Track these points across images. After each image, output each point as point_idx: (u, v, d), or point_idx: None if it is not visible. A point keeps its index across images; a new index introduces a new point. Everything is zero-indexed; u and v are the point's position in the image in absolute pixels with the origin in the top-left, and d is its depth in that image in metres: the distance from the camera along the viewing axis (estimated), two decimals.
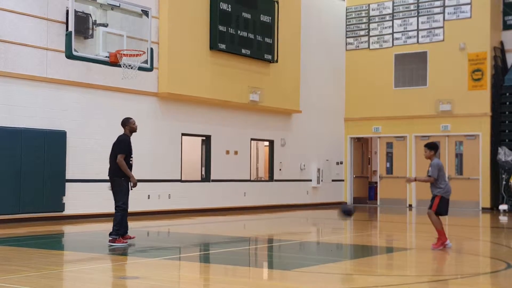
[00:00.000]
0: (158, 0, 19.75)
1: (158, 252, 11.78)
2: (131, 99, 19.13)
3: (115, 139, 12.44)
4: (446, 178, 12.34)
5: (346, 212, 12.48)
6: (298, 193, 25.47)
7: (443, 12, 25.77)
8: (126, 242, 11.99)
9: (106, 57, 15.68)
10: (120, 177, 12.10)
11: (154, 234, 15.48)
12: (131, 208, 18.79)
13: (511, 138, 24.51)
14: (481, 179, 24.86)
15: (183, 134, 20.83)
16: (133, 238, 12.46)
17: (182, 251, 12.19)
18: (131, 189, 12.27)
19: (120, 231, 11.99)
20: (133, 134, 18.96)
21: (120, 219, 12.00)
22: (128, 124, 12.47)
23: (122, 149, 12.12)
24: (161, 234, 15.64)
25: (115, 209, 12.14)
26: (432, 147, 12.42)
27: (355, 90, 27.68)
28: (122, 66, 15.82)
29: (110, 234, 12.01)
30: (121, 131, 12.61)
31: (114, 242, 11.87)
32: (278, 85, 23.73)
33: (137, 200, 19.16)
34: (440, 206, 12.09)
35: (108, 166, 12.41)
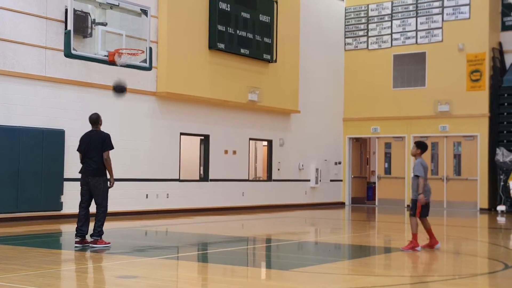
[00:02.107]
0: None
1: (156, 252, 11.77)
2: (130, 98, 19.09)
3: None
4: (426, 180, 12.17)
5: (119, 89, 12.46)
6: (297, 193, 25.47)
7: (442, 13, 25.79)
8: (108, 243, 11.67)
9: (105, 56, 15.66)
10: (101, 176, 11.76)
11: (152, 234, 15.47)
12: (129, 207, 18.93)
13: (509, 139, 24.52)
14: (479, 179, 24.88)
15: (181, 134, 20.83)
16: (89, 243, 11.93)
17: (180, 250, 12.18)
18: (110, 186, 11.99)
19: (102, 232, 11.75)
20: (131, 133, 19.13)
21: (103, 220, 11.77)
22: (101, 120, 12.11)
23: (110, 145, 11.82)
24: (159, 234, 15.63)
25: (98, 209, 11.79)
26: (421, 146, 12.44)
27: (354, 90, 27.68)
28: (118, 65, 15.79)
29: (92, 236, 11.69)
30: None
31: (96, 244, 11.60)
32: (277, 85, 23.73)
33: (135, 200, 19.21)
34: (422, 211, 12.04)
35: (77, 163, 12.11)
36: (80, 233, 11.72)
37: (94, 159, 11.75)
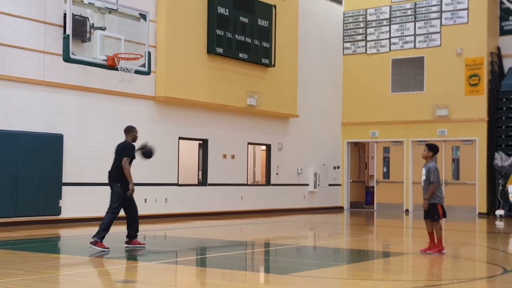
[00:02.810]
0: (156, 4, 19.76)
1: (154, 256, 11.76)
2: (128, 102, 19.12)
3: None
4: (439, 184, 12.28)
5: (147, 153, 12.63)
6: (295, 197, 25.46)
7: (440, 17, 25.82)
8: (107, 248, 11.71)
9: (103, 60, 15.68)
10: (116, 183, 12.15)
11: (151, 238, 15.45)
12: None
13: (508, 143, 24.53)
14: (478, 184, 24.88)
15: (180, 138, 20.82)
16: (143, 244, 12.59)
17: (178, 255, 12.17)
18: (127, 196, 12.20)
19: (103, 233, 11.85)
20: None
21: (108, 222, 11.92)
22: (132, 132, 12.55)
23: (129, 153, 12.21)
24: (157, 238, 15.62)
25: (108, 210, 12.10)
26: (432, 149, 12.34)
27: (352, 94, 27.70)
28: (119, 69, 15.83)
29: (94, 236, 11.85)
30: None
31: (95, 245, 11.71)
32: (276, 89, 23.74)
33: None
34: (443, 212, 12.07)
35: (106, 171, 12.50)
36: (127, 234, 12.42)
37: (114, 166, 12.27)
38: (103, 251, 11.62)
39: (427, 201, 11.97)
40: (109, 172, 12.38)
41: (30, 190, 16.45)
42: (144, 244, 12.68)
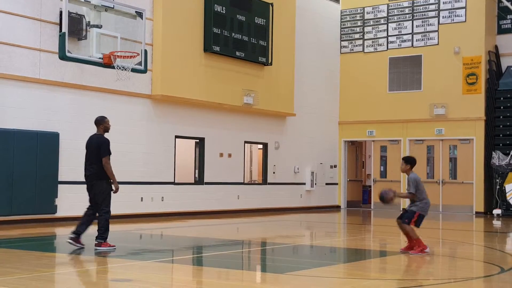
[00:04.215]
0: (153, 1, 19.71)
1: (151, 255, 11.72)
2: (125, 101, 19.07)
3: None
4: (425, 194, 12.06)
5: (384, 199, 12.17)
6: (292, 196, 25.43)
7: (438, 16, 25.80)
8: (113, 246, 11.74)
9: (99, 58, 15.63)
10: (102, 180, 11.80)
11: (147, 237, 15.41)
12: (124, 210, 18.85)
13: (505, 143, 24.52)
14: (475, 183, 24.87)
15: (176, 137, 20.78)
16: (83, 246, 11.86)
17: (175, 254, 12.13)
18: (114, 193, 12.01)
19: (105, 234, 11.75)
20: (126, 136, 19.06)
21: (105, 223, 11.75)
22: (104, 123, 12.08)
23: (107, 150, 11.81)
24: (154, 237, 15.58)
25: (99, 213, 11.82)
26: (409, 161, 12.31)
27: (350, 93, 27.67)
28: (115, 67, 15.78)
29: (96, 238, 11.78)
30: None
31: (100, 246, 11.65)
32: (272, 88, 23.70)
33: (130, 203, 19.13)
34: (416, 222, 12.00)
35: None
36: (76, 231, 11.77)
37: (93, 164, 11.83)
38: (109, 249, 11.60)
39: (393, 193, 11.94)
40: (86, 169, 11.90)
41: (26, 189, 16.41)
42: (84, 245, 11.90)
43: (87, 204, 12.04)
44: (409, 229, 11.98)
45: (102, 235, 11.75)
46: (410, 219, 11.95)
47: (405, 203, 26.05)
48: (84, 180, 12.07)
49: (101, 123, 12.09)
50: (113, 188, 11.93)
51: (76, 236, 11.78)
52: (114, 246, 11.83)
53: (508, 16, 25.67)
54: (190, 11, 20.68)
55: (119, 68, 15.87)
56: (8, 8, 16.45)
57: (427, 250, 11.92)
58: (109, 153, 11.86)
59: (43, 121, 17.09)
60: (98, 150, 11.82)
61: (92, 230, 12.01)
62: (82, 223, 11.85)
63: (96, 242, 11.74)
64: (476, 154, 24.92)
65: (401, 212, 12.37)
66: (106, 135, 12.14)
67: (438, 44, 25.75)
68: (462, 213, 24.75)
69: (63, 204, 17.23)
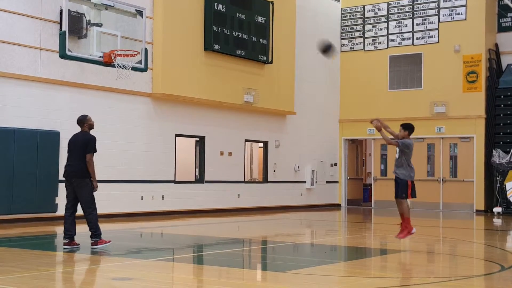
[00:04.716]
0: (153, 0, 19.70)
1: (151, 253, 11.73)
2: (125, 99, 19.07)
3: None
4: (411, 162, 12.15)
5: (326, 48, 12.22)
6: (292, 194, 25.43)
7: (438, 14, 25.78)
8: (108, 241, 11.67)
9: (100, 57, 15.62)
10: (85, 178, 11.64)
11: (148, 235, 15.41)
12: (125, 209, 18.87)
13: (506, 141, 24.50)
14: (475, 181, 24.86)
15: (177, 135, 20.78)
16: (78, 245, 11.76)
17: (175, 252, 12.13)
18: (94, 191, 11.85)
19: (98, 231, 11.66)
20: (126, 134, 19.06)
21: (95, 221, 11.66)
22: (87, 121, 11.93)
23: (93, 148, 11.69)
24: (154, 235, 15.58)
25: (86, 211, 11.69)
26: (407, 127, 12.44)
27: (350, 91, 27.66)
28: (116, 66, 15.78)
29: (91, 237, 11.69)
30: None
31: (97, 244, 11.58)
32: (273, 86, 23.70)
33: (130, 201, 19.15)
34: (412, 192, 12.01)
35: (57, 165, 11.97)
36: (68, 234, 11.66)
37: (78, 161, 11.65)
38: (106, 245, 11.59)
39: (379, 125, 12.20)
40: (70, 166, 11.72)
41: (26, 187, 16.41)
42: (79, 244, 11.82)
43: None
44: (405, 209, 11.98)
45: (96, 234, 11.66)
46: (405, 192, 11.94)
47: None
48: None
49: (84, 121, 11.94)
50: (94, 185, 11.76)
51: (70, 240, 11.70)
52: (110, 240, 11.80)
53: (508, 14, 25.65)
54: (190, 9, 20.67)
55: (120, 66, 15.87)
56: (8, 6, 16.45)
57: (413, 231, 11.95)
58: (95, 151, 11.76)
59: (43, 120, 17.08)
60: (84, 147, 11.65)
61: (82, 228, 12.00)
62: (70, 226, 11.69)
63: (92, 242, 11.65)
64: (476, 152, 24.92)
65: (395, 190, 12.27)
66: (91, 132, 12.05)
67: (438, 42, 25.73)
68: (463, 211, 24.75)
69: (63, 203, 17.12)
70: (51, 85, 17.29)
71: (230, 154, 22.64)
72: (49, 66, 17.20)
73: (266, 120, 24.14)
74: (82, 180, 11.66)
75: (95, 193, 11.90)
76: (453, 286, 8.71)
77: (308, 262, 11.23)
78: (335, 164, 27.76)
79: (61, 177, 17.13)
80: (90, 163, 11.62)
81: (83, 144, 11.67)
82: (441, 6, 25.72)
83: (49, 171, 16.92)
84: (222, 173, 22.30)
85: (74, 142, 11.84)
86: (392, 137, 12.45)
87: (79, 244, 11.74)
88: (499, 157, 23.81)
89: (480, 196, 24.77)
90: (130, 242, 13.75)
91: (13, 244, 12.63)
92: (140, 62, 16.55)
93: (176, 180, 20.73)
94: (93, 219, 11.71)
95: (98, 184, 12.08)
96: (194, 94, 20.72)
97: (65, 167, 11.88)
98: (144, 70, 16.94)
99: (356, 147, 29.04)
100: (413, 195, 12.03)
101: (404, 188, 12.01)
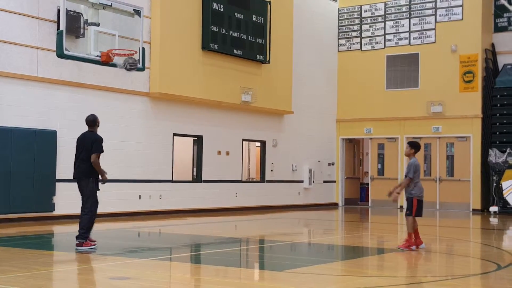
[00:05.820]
0: None
1: (148, 253, 11.74)
2: (123, 99, 19.07)
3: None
4: (419, 180, 12.27)
5: None
6: (290, 194, 25.46)
7: (435, 14, 25.82)
8: (94, 245, 11.47)
9: (97, 56, 15.62)
10: (89, 178, 11.60)
11: (145, 235, 15.43)
12: (122, 208, 18.88)
13: (502, 140, 24.55)
14: (472, 180, 24.92)
15: (174, 134, 20.79)
16: (95, 242, 11.69)
17: (173, 251, 12.15)
18: (99, 189, 11.83)
19: (86, 234, 11.51)
20: (124, 133, 19.08)
21: (87, 222, 11.53)
22: (98, 122, 11.94)
23: (100, 148, 11.64)
24: (152, 235, 15.59)
25: (83, 211, 11.63)
26: (414, 146, 12.54)
27: (347, 91, 27.70)
28: (117, 66, 15.79)
29: (77, 238, 11.50)
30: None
31: (81, 246, 11.37)
32: (270, 86, 23.71)
33: (128, 201, 19.16)
34: (418, 209, 12.11)
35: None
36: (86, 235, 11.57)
37: (84, 160, 11.60)
38: (91, 249, 11.35)
39: (398, 194, 12.15)
40: (77, 166, 11.66)
41: (23, 187, 16.40)
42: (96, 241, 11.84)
43: None
44: (410, 223, 12.05)
45: (84, 235, 11.47)
46: (410, 209, 12.05)
47: (402, 200, 26.12)
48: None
49: (96, 122, 11.90)
50: (103, 179, 11.69)
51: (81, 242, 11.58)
52: (95, 242, 11.55)
53: (505, 14, 25.71)
54: (188, 9, 20.68)
55: (121, 67, 15.93)
56: (5, 6, 16.44)
57: (414, 248, 11.99)
58: (102, 151, 11.70)
59: (41, 119, 17.08)
60: (90, 147, 11.59)
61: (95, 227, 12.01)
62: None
63: (77, 242, 11.44)
64: (473, 151, 24.97)
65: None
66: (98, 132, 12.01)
67: (435, 42, 25.78)
68: (459, 210, 24.80)
69: (60, 202, 17.23)
70: (49, 84, 17.29)
71: (227, 153, 22.66)
72: (46, 65, 17.20)
73: (264, 119, 24.16)
74: (84, 179, 11.62)
75: (98, 192, 11.81)
76: (450, 285, 8.74)
77: (305, 261, 11.25)
78: (332, 164, 27.79)
79: (58, 176, 17.20)
80: (97, 162, 11.57)
81: (90, 144, 11.60)
82: (437, 6, 25.76)
83: (46, 171, 16.92)
84: (219, 172, 22.31)
85: (81, 141, 11.77)
86: (402, 182, 12.48)
87: (95, 241, 11.64)
88: (495, 156, 23.86)
89: (476, 195, 24.82)
90: (127, 241, 13.76)
91: (10, 243, 12.63)
92: (137, 61, 16.54)
93: (173, 179, 20.74)
94: (85, 220, 11.54)
95: (98, 184, 11.97)
96: (192, 93, 20.73)
97: (74, 166, 11.80)
98: (142, 69, 16.94)
99: (353, 146, 29.08)
100: (418, 213, 12.11)
101: (409, 206, 12.16)
